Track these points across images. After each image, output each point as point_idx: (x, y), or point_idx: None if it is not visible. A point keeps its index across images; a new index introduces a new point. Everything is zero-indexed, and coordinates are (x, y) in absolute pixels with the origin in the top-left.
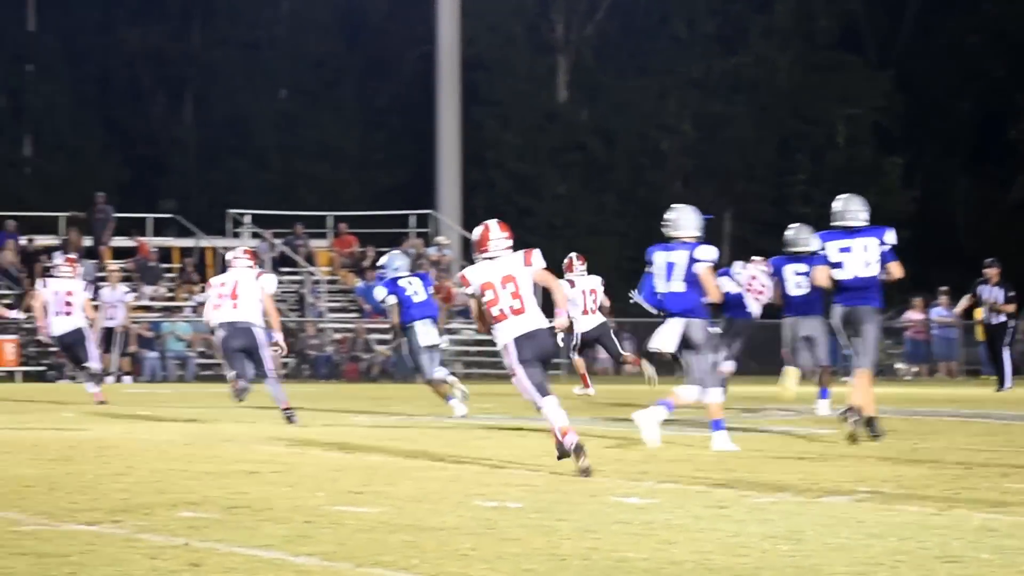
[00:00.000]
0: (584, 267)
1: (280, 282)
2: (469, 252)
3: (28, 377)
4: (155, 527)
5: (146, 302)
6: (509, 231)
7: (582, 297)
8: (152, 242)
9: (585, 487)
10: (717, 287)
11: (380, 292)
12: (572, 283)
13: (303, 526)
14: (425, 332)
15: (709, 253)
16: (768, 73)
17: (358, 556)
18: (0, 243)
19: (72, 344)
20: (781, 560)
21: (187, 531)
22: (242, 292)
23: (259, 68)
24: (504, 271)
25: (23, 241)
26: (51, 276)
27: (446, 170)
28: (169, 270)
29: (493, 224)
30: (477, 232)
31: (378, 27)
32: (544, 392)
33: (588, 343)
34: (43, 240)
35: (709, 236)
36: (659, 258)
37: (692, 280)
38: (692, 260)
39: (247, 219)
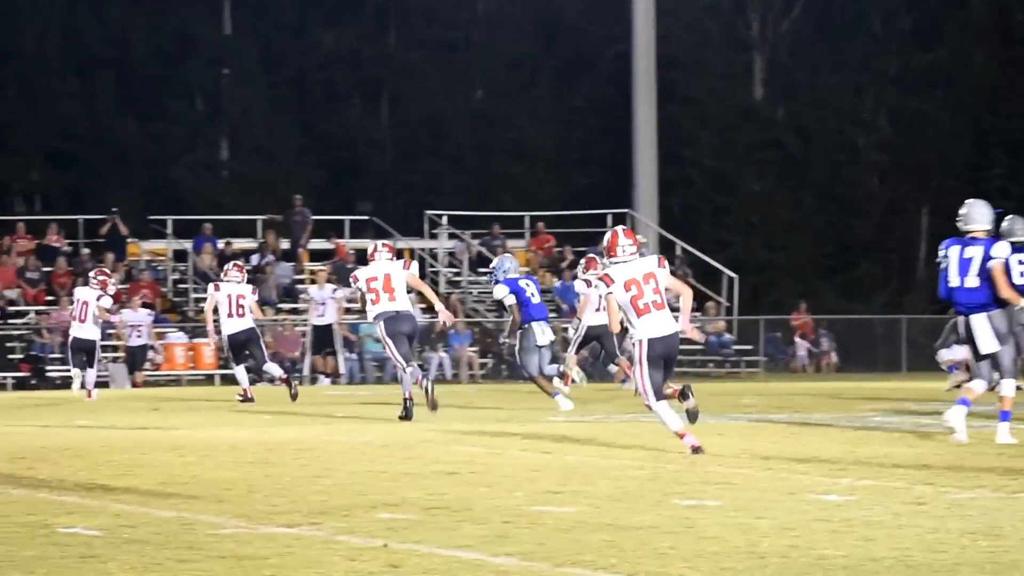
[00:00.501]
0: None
1: (477, 283)
2: (664, 251)
3: (226, 380)
4: (354, 529)
5: (344, 304)
6: (634, 238)
7: (598, 297)
8: (349, 244)
9: (784, 484)
10: (1010, 284)
11: (501, 291)
12: (589, 283)
13: (502, 526)
14: (541, 332)
15: (1003, 250)
16: (964, 68)
17: (556, 556)
18: (197, 247)
19: (246, 341)
20: (980, 556)
21: (386, 533)
22: (396, 283)
23: (455, 69)
24: (645, 270)
25: (220, 244)
26: (223, 281)
27: (642, 168)
28: None
29: (620, 231)
30: (606, 238)
31: (574, 26)
32: (659, 396)
33: (588, 340)
34: (240, 243)
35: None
36: (954, 252)
37: (985, 276)
38: (987, 256)
39: (444, 220)
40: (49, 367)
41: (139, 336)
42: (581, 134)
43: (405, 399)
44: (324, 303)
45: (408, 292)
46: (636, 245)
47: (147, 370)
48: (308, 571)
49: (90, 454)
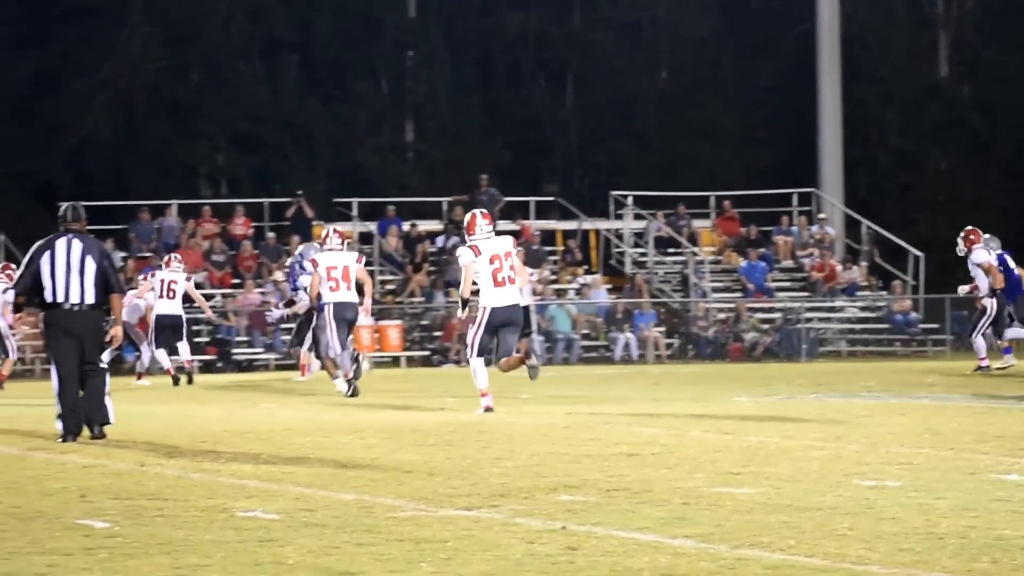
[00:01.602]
0: None
1: (663, 263)
2: (850, 230)
3: (412, 362)
4: (533, 511)
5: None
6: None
7: None
8: (535, 225)
9: (964, 464)
10: None
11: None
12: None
13: (681, 508)
14: None
15: None
16: None
17: (735, 538)
18: (383, 229)
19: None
20: None
21: (565, 515)
22: (351, 275)
23: (640, 49)
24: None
25: (406, 226)
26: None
27: (828, 147)
28: (552, 253)
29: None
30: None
31: (758, 6)
32: (481, 353)
33: None
34: (425, 225)
35: None
36: None
37: None
38: None
39: (629, 200)
40: (235, 350)
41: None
42: (765, 113)
43: (350, 380)
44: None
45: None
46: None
47: None
48: (485, 554)
49: (271, 437)
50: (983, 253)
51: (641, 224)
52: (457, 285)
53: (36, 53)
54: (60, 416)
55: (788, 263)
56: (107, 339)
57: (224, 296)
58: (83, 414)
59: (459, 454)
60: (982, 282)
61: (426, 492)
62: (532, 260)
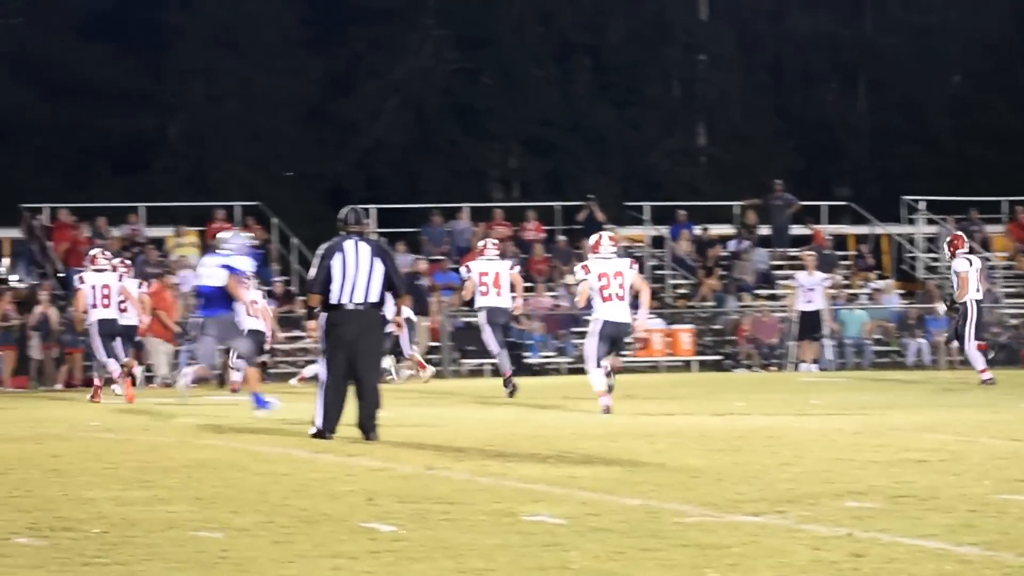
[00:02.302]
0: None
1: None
2: None
3: (704, 367)
4: (819, 518)
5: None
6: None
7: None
8: (827, 229)
9: None
10: None
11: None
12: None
13: (967, 515)
14: None
15: None
16: None
17: (1021, 545)
18: (674, 233)
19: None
20: None
21: (851, 521)
22: (503, 281)
23: (932, 53)
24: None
25: (697, 230)
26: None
27: None
28: (844, 257)
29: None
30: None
31: None
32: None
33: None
34: (717, 229)
35: None
36: None
37: None
38: None
39: (922, 205)
40: (526, 354)
41: None
42: None
43: (507, 378)
44: (812, 289)
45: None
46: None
47: (625, 355)
48: (771, 560)
49: (559, 441)
50: (962, 262)
51: (933, 229)
52: (747, 288)
53: (328, 56)
54: (321, 412)
55: None
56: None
57: (514, 299)
58: (340, 413)
59: (747, 459)
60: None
61: (713, 497)
62: (824, 265)
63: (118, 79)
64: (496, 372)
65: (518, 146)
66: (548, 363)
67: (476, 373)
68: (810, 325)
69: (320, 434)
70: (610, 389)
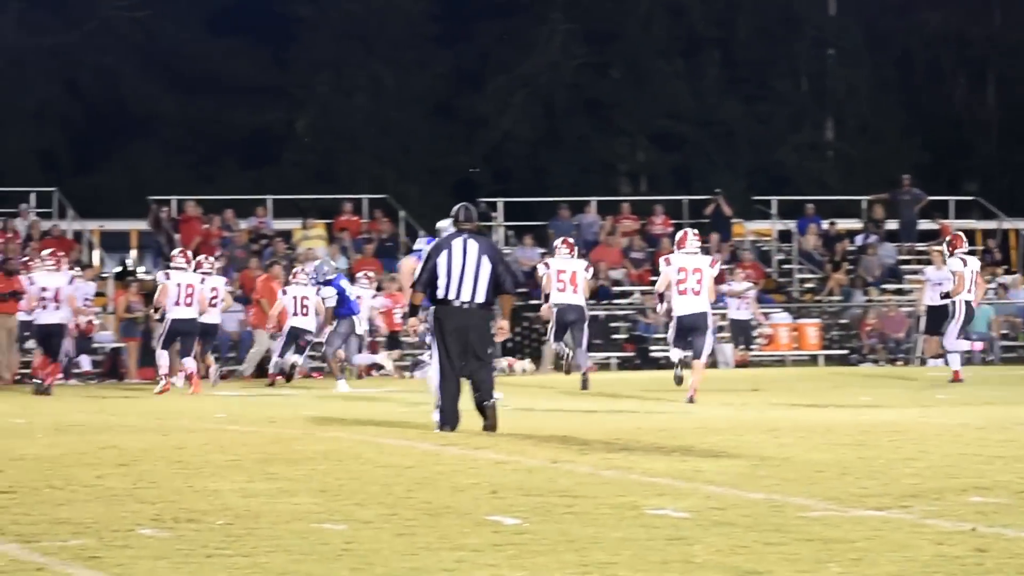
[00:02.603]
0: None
1: None
2: None
3: (830, 360)
4: (943, 512)
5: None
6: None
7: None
8: (954, 224)
9: None
10: None
11: (328, 292)
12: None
13: None
14: (358, 323)
15: None
16: None
17: None
18: (802, 227)
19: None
20: None
21: (975, 516)
22: (578, 280)
23: None
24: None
25: (824, 225)
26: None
27: None
28: (972, 252)
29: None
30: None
31: None
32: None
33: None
34: (844, 223)
35: None
36: None
37: None
38: None
39: None
40: (652, 347)
41: (740, 308)
42: None
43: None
44: (940, 283)
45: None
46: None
47: (752, 349)
48: (894, 555)
49: (684, 435)
50: (957, 262)
51: None
52: (874, 283)
53: (456, 51)
54: (438, 407)
55: None
56: (494, 332)
57: (643, 293)
58: (457, 406)
59: (871, 454)
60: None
61: (837, 492)
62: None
63: (246, 72)
64: (621, 366)
65: (646, 140)
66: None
67: (603, 367)
68: (938, 320)
69: (441, 428)
70: (679, 381)
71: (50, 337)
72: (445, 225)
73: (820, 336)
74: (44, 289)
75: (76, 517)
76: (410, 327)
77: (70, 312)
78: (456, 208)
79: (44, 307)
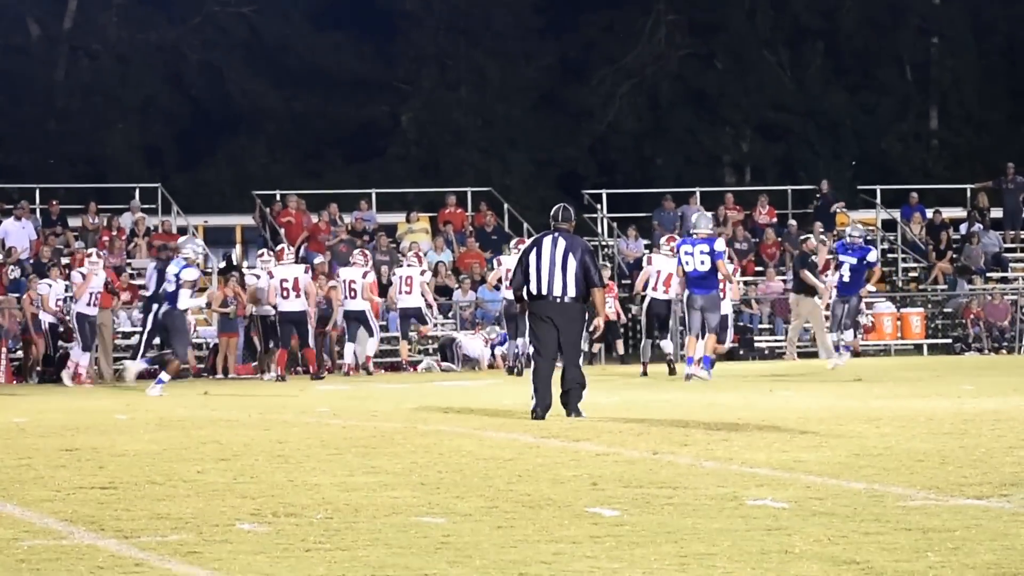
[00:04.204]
0: None
1: None
2: None
3: (934, 350)
4: None
5: None
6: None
7: None
8: None
9: None
10: None
11: None
12: None
13: None
14: None
15: None
16: None
17: None
18: (906, 216)
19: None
20: None
21: None
22: None
23: None
24: None
25: (929, 213)
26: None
27: None
28: None
29: None
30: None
31: None
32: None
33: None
34: (949, 212)
35: None
36: None
37: None
38: None
39: None
40: (757, 337)
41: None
42: None
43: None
44: None
45: None
46: None
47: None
48: (993, 544)
49: (786, 425)
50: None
51: None
52: (979, 273)
53: (561, 43)
54: (534, 394)
55: None
56: (591, 329)
57: (747, 284)
58: (549, 395)
59: (972, 443)
60: None
61: (937, 481)
62: None
63: (351, 66)
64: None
65: (750, 131)
66: (777, 347)
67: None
68: None
69: (534, 413)
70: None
71: (296, 325)
72: None
73: (924, 325)
74: (284, 281)
75: (176, 512)
76: (419, 331)
77: (306, 301)
78: (556, 208)
79: (286, 297)
